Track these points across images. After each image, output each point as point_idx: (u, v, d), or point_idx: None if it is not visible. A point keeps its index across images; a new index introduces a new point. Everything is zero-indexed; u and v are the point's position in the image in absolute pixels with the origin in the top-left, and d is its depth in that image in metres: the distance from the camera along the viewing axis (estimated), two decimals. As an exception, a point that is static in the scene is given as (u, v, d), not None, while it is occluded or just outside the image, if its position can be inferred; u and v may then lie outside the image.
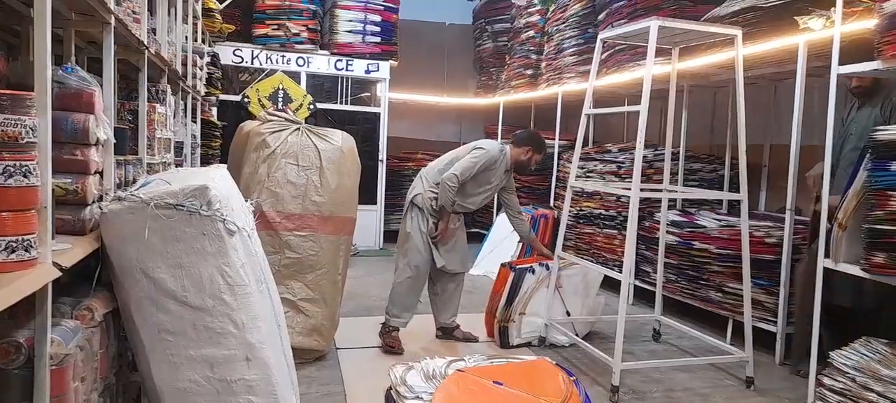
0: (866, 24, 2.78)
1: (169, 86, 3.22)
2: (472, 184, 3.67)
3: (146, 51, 2.59)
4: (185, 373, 1.83)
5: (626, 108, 4.03)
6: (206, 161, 5.08)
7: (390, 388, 2.78)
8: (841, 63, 2.66)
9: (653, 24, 3.14)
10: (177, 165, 3.54)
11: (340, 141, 3.43)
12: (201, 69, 4.67)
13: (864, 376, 2.44)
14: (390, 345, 3.58)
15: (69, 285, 1.80)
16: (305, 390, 2.96)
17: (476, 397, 2.69)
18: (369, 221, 6.64)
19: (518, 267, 3.96)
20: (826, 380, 2.61)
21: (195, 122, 4.69)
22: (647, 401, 3.11)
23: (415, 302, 3.69)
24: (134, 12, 2.40)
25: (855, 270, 2.52)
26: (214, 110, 5.90)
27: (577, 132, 3.83)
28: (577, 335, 3.76)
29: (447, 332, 3.86)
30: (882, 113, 2.97)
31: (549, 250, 4.07)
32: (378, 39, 6.82)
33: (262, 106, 6.20)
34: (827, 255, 2.68)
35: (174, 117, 3.62)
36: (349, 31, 6.72)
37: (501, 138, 7.25)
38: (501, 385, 2.72)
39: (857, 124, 3.12)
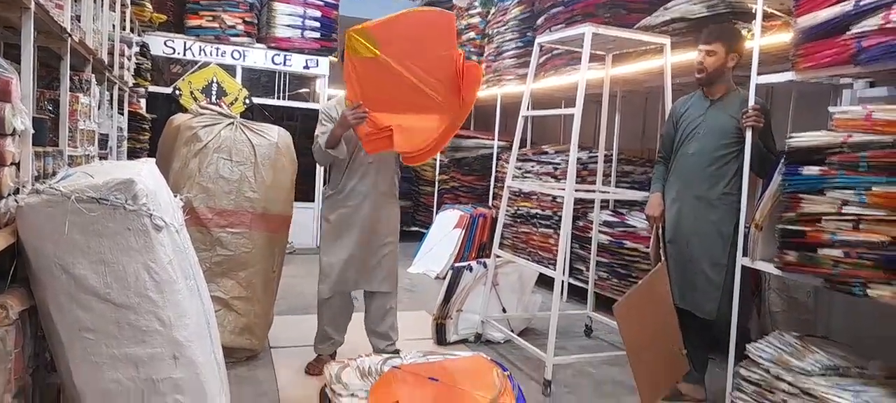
0: (783, 37, 2.96)
1: (94, 75, 3.08)
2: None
3: (69, 38, 2.47)
4: (108, 373, 1.76)
5: (562, 111, 4.14)
6: (133, 154, 4.88)
7: (325, 387, 2.76)
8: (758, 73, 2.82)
9: (587, 30, 3.24)
10: (101, 158, 3.39)
11: (276, 136, 3.36)
12: (129, 59, 4.49)
13: (777, 367, 2.60)
14: (309, 371, 3.21)
15: (-20, 281, 1.70)
16: (237, 390, 2.89)
17: (412, 393, 2.71)
18: (306, 219, 6.52)
19: (456, 265, 3.99)
20: (743, 371, 2.76)
21: (122, 114, 4.49)
22: (578, 394, 3.21)
23: (333, 328, 3.26)
24: (56, -4, 2.28)
25: (770, 268, 2.68)
26: (143, 102, 5.67)
27: (515, 133, 3.90)
28: (512, 331, 3.83)
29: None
30: (739, 120, 2.90)
31: None
32: (317, 35, 6.72)
33: (195, 99, 5.98)
34: (744, 254, 2.84)
35: (99, 108, 3.46)
36: (288, 26, 6.59)
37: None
38: (436, 380, 2.75)
39: (710, 125, 3.04)
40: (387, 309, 3.29)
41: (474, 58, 6.89)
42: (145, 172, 2.00)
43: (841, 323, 3.08)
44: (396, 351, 3.23)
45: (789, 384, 2.52)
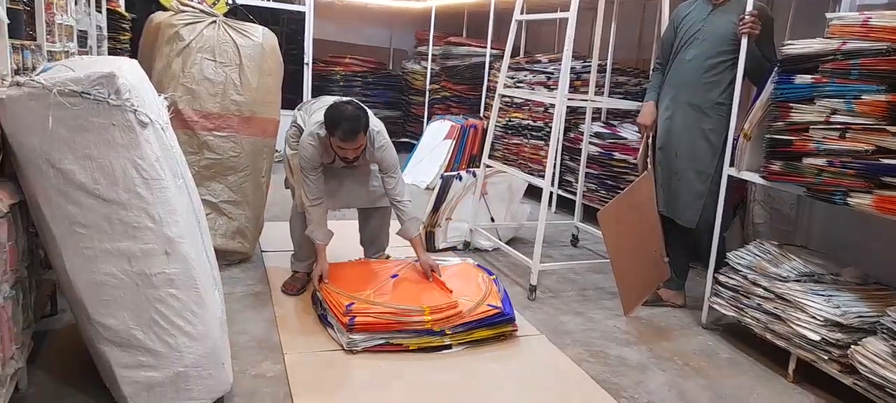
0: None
1: (69, -33, 2.95)
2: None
3: (41, -76, 2.34)
4: (101, 266, 1.78)
5: (556, 15, 4.00)
6: (114, 54, 4.75)
7: (316, 290, 2.83)
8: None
9: (586, -72, 3.11)
10: (82, 55, 3.30)
11: (261, 37, 3.27)
12: (107, -47, 4.29)
13: (755, 273, 2.68)
14: (286, 289, 3.04)
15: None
16: (230, 289, 2.96)
17: (362, 275, 2.81)
18: (295, 126, 6.45)
19: (445, 174, 4.01)
20: (721, 278, 2.85)
21: (100, 12, 4.34)
22: (561, 299, 3.31)
23: (308, 244, 3.02)
24: None
25: (755, 177, 2.72)
26: (122, 0, 5.46)
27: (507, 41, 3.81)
28: (500, 240, 3.89)
29: None
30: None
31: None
32: (304, -68, 6.42)
33: (177, -3, 5.76)
34: (731, 164, 2.86)
35: (76, 4, 3.34)
36: (273, -78, 6.28)
37: (432, 45, 7.12)
38: (397, 276, 2.83)
39: (709, 30, 2.97)
40: (383, 224, 3.26)
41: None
42: (127, 68, 1.95)
43: (820, 232, 3.15)
44: (386, 257, 3.30)
45: (765, 289, 2.62)
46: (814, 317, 2.39)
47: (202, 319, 1.86)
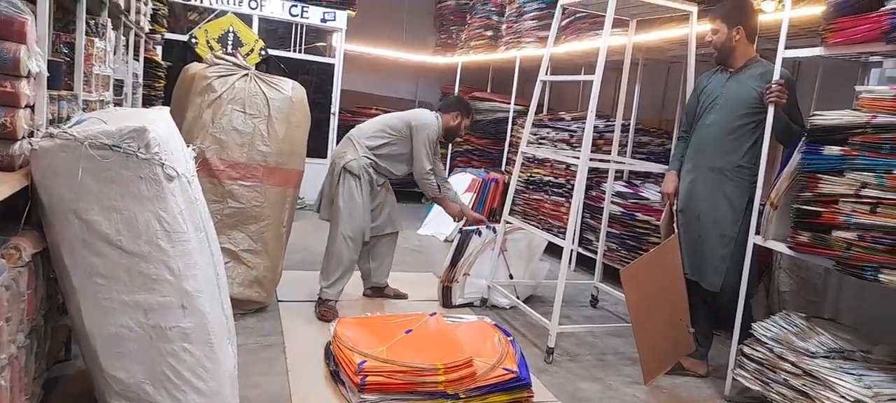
0: (814, 9, 2.87)
1: (109, 19, 3.06)
2: (406, 153, 3.61)
3: (84, -20, 2.44)
4: (118, 318, 1.78)
5: (581, 77, 4.07)
6: (148, 102, 4.89)
7: (330, 342, 2.80)
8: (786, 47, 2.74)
9: (611, -7, 3.16)
10: (116, 104, 3.40)
11: (291, 90, 3.34)
12: (146, 4, 4.45)
13: (781, 347, 2.60)
14: (324, 317, 3.36)
15: (-5, 223, 1.72)
16: (244, 340, 2.95)
17: (376, 331, 2.76)
18: (319, 174, 6.51)
19: (464, 229, 3.99)
20: (746, 349, 2.76)
21: (137, 61, 4.49)
22: (579, 363, 3.23)
23: (349, 273, 3.52)
24: (72, -62, 2.25)
25: (781, 247, 2.65)
26: (159, 49, 5.65)
27: (532, 98, 3.85)
28: (518, 298, 3.84)
29: (377, 291, 3.84)
30: (760, 91, 2.85)
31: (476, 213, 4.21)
32: (336, -12, 6.63)
33: (211, 48, 5.95)
34: (758, 232, 2.81)
35: (115, 54, 3.46)
36: (306, -23, 6.49)
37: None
38: (411, 332, 2.79)
39: (729, 95, 3.00)
40: (393, 246, 3.83)
41: (494, 17, 6.78)
42: (158, 120, 2.00)
43: (849, 305, 3.06)
44: (386, 286, 3.83)
45: (792, 364, 2.52)
46: (844, 397, 2.29)
47: (214, 375, 1.85)
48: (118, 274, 1.78)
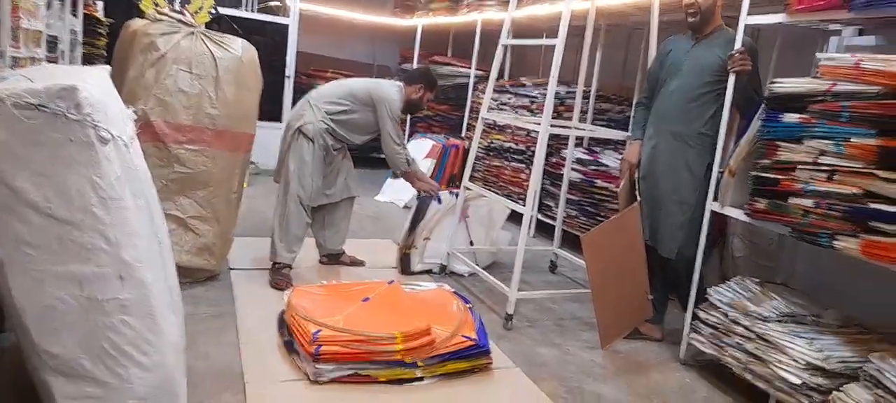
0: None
1: (40, -31, 2.83)
2: (366, 123, 3.54)
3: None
4: (50, 290, 1.66)
5: (543, 41, 3.98)
6: (89, 61, 4.60)
7: (284, 312, 2.72)
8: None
9: (575, -45, 3.08)
10: (50, 62, 3.17)
11: (241, 50, 3.17)
12: (84, -45, 4.16)
13: (735, 311, 2.63)
14: (278, 285, 3.26)
15: None
16: (193, 310, 2.83)
17: (332, 300, 2.70)
18: (273, 139, 6.30)
19: (422, 194, 3.91)
20: (701, 314, 2.80)
21: (76, 16, 4.20)
22: (538, 328, 3.23)
23: (302, 236, 3.42)
24: None
25: (739, 214, 2.67)
26: (100, 5, 5.31)
27: (493, 63, 3.76)
28: (477, 265, 3.81)
29: (333, 258, 3.77)
30: (724, 59, 2.82)
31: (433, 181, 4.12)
32: (291, -56, 6.34)
33: (156, 3, 5.63)
34: (715, 199, 2.82)
35: (48, 8, 3.21)
36: (259, -69, 6.19)
37: (416, 63, 7.07)
38: (368, 300, 2.74)
39: (693, 62, 2.98)
40: (349, 212, 3.74)
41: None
42: (92, 79, 1.84)
43: (802, 271, 3.12)
44: (343, 252, 3.78)
45: (745, 328, 2.56)
46: (795, 360, 2.34)
47: (157, 347, 1.74)
48: (49, 244, 1.65)
